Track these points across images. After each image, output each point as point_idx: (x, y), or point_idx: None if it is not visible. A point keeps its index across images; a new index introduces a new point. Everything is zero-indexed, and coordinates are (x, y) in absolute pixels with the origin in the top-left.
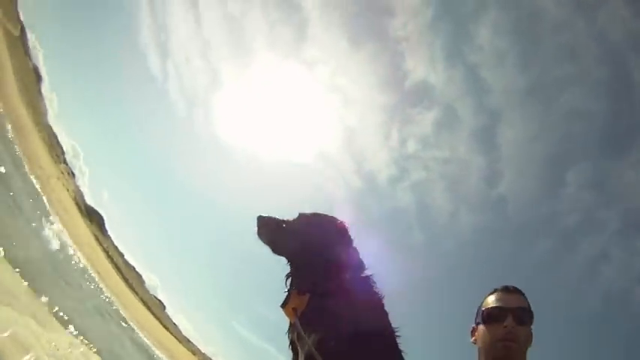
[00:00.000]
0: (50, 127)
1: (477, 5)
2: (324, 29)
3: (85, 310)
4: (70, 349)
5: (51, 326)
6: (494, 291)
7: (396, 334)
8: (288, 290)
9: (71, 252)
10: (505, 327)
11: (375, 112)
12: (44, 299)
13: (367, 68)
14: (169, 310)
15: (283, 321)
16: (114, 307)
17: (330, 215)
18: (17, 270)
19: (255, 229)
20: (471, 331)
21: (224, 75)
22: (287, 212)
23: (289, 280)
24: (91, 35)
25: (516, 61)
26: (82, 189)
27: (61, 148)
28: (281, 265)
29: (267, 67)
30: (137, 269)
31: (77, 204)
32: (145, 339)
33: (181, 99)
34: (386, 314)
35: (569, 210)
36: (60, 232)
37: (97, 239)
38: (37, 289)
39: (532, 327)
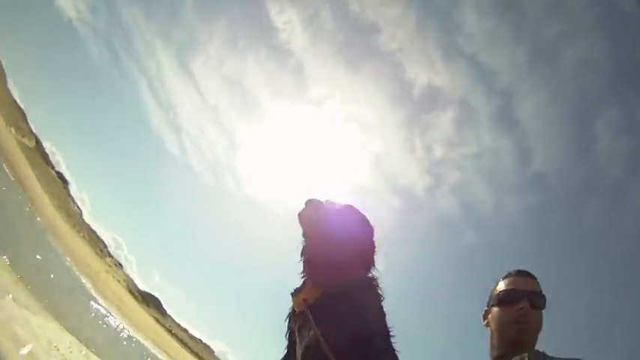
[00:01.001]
0: (88, 225)
1: None
2: (320, 65)
3: None
4: None
5: None
6: (508, 275)
7: (391, 335)
8: (303, 279)
9: (137, 338)
10: (521, 309)
11: (393, 129)
12: None
13: (372, 88)
14: None
15: None
16: None
17: (352, 206)
18: None
19: (307, 211)
20: (484, 314)
21: (239, 135)
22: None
23: (305, 271)
24: (104, 132)
25: (509, 35)
26: (132, 276)
27: (103, 242)
28: None
29: (278, 116)
30: (203, 340)
31: (131, 292)
32: None
33: (206, 169)
34: (384, 315)
35: (608, 163)
36: (121, 323)
37: (157, 321)
38: None
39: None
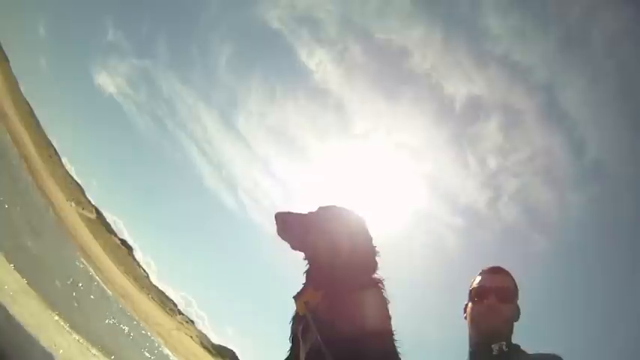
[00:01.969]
0: (155, 287)
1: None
2: (358, 99)
3: None
4: None
5: None
6: (481, 272)
7: (394, 337)
8: (305, 285)
9: None
10: (487, 305)
11: (442, 148)
12: None
13: (414, 112)
14: None
15: None
16: None
17: (348, 209)
18: None
19: (275, 227)
20: (464, 308)
21: (293, 182)
22: (410, 283)
23: (307, 275)
24: (161, 197)
25: (536, 26)
26: (204, 332)
27: (172, 301)
28: None
29: (327, 156)
30: None
31: (204, 346)
32: None
33: (266, 219)
34: (388, 318)
35: None
36: None
37: None
38: None
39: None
